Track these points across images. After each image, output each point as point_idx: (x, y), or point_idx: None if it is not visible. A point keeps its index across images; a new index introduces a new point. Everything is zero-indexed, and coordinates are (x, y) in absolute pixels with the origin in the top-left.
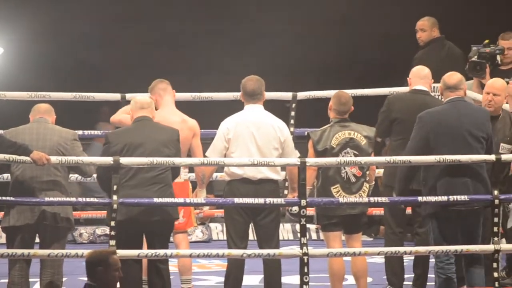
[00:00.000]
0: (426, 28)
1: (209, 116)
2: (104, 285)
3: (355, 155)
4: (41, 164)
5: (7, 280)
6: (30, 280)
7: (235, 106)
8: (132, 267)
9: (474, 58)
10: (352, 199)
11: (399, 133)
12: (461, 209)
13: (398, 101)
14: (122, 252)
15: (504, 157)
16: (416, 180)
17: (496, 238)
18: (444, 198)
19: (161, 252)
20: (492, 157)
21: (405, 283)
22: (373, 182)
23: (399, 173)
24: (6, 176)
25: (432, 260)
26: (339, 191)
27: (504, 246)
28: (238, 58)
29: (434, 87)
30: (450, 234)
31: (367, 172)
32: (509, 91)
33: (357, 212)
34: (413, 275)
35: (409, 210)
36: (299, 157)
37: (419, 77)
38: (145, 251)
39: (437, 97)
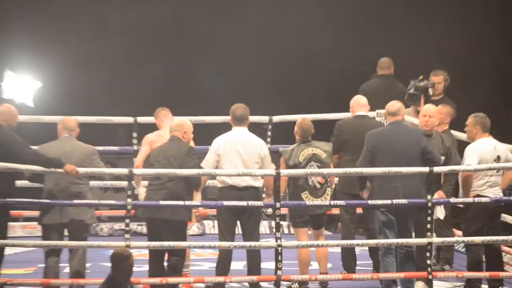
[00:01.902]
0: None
1: (203, 135)
2: (124, 277)
3: (318, 167)
4: (73, 174)
5: (44, 265)
6: (61, 265)
7: (225, 128)
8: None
9: (411, 91)
10: (316, 202)
11: (349, 151)
12: (400, 210)
13: (346, 125)
14: (137, 244)
15: (436, 169)
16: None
17: (429, 233)
18: (388, 201)
19: (165, 243)
20: (426, 169)
21: (356, 268)
22: (334, 185)
23: (358, 184)
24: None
25: None
26: (307, 196)
27: (435, 239)
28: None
29: (380, 113)
30: (390, 226)
31: (329, 179)
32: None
33: (322, 212)
34: (367, 262)
35: (360, 210)
36: (275, 169)
37: (359, 105)
38: (154, 242)
39: (381, 120)
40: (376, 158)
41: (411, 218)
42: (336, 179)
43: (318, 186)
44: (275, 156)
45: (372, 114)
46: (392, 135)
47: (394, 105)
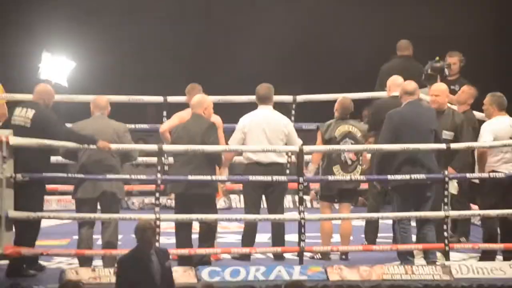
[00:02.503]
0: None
1: (230, 114)
2: (146, 247)
3: (352, 144)
4: (106, 150)
5: (77, 237)
6: (94, 237)
7: (251, 107)
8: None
9: (429, 71)
10: (343, 177)
11: None
12: (419, 184)
13: (382, 105)
14: (166, 216)
15: (453, 145)
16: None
17: (446, 207)
18: (407, 176)
19: (194, 216)
20: (443, 146)
21: (377, 240)
22: (369, 165)
23: (375, 160)
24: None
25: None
26: (338, 170)
27: (452, 213)
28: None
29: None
30: (409, 202)
31: (361, 158)
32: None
33: (351, 187)
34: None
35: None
36: (300, 145)
37: (396, 85)
38: (183, 215)
39: None
40: (400, 137)
41: (431, 193)
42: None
43: (349, 162)
44: (300, 133)
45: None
46: (412, 114)
47: (411, 84)
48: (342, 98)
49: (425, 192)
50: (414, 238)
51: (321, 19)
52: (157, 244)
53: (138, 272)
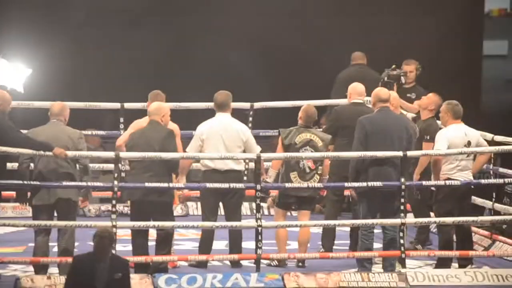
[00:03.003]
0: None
1: (188, 121)
2: (100, 253)
3: (312, 152)
4: (62, 157)
5: (33, 244)
6: (50, 244)
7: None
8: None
9: (385, 78)
10: (301, 185)
11: (345, 136)
12: (383, 190)
13: (344, 111)
14: (123, 224)
15: (409, 153)
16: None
17: (402, 214)
18: (364, 184)
19: (150, 223)
20: (400, 153)
21: (334, 247)
22: (327, 176)
23: (350, 167)
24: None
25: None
26: (296, 177)
27: (408, 220)
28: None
29: (367, 100)
30: (374, 209)
31: (320, 167)
32: (396, 103)
33: (307, 195)
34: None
35: (347, 192)
36: (257, 153)
37: (357, 92)
38: (139, 222)
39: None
40: (369, 143)
41: (394, 202)
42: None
43: (307, 170)
44: (258, 139)
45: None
46: (383, 121)
47: (386, 92)
48: (307, 105)
49: (390, 199)
50: (375, 245)
51: (285, 26)
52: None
53: (83, 275)
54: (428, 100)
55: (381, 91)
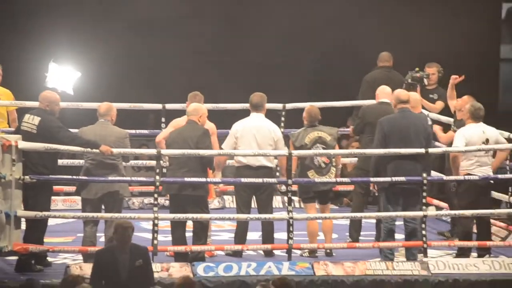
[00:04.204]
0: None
1: (225, 120)
2: (120, 243)
3: (324, 148)
4: (108, 154)
5: (82, 234)
6: (98, 234)
7: (244, 114)
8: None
9: (409, 80)
10: (324, 179)
11: (371, 133)
12: (404, 187)
13: (370, 109)
14: (163, 216)
15: (431, 150)
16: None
17: (424, 207)
18: (388, 179)
19: (189, 215)
20: (422, 150)
21: (360, 238)
22: (340, 165)
23: (372, 163)
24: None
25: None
26: (313, 174)
27: (430, 212)
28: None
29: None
30: (394, 204)
31: (334, 159)
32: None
33: (327, 189)
34: (371, 232)
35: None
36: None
37: (384, 93)
38: (179, 214)
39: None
40: (389, 142)
41: (419, 199)
42: (348, 160)
43: (323, 165)
44: (288, 139)
45: (372, 101)
46: (403, 121)
47: (405, 93)
48: (309, 106)
49: (411, 194)
50: (397, 236)
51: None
52: (155, 242)
53: (107, 266)
54: (462, 102)
55: (401, 92)
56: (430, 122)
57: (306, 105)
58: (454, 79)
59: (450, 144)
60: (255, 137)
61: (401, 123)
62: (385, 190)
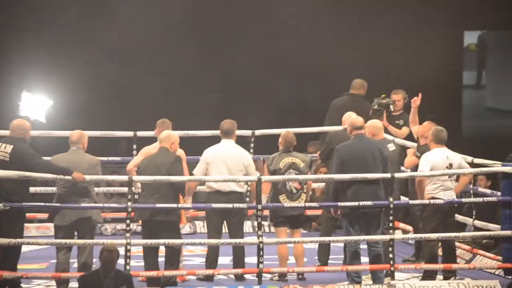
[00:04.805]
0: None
1: (194, 147)
2: (104, 268)
3: (296, 174)
4: (80, 181)
5: (55, 261)
6: (71, 261)
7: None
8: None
9: (376, 106)
10: (293, 204)
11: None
12: (365, 211)
13: (337, 135)
14: (136, 241)
15: (397, 175)
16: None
17: (391, 231)
18: (356, 203)
19: (161, 241)
20: (389, 175)
21: (329, 261)
22: (311, 192)
23: (331, 189)
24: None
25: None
26: (284, 198)
27: (396, 236)
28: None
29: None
30: (356, 228)
31: (305, 186)
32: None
33: (297, 213)
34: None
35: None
36: (258, 176)
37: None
38: (151, 240)
39: None
40: (347, 168)
41: (376, 219)
42: (316, 185)
43: (294, 191)
44: (258, 164)
45: (339, 127)
46: (359, 147)
47: (360, 120)
48: (286, 132)
49: (372, 218)
50: (363, 259)
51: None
52: (127, 268)
53: None
54: (423, 128)
55: (355, 119)
56: (394, 147)
57: (274, 131)
58: (414, 101)
59: (413, 168)
60: (226, 162)
61: (357, 149)
62: (346, 214)
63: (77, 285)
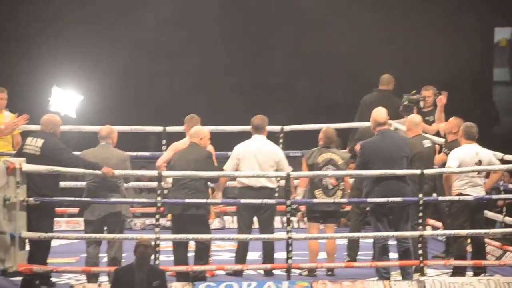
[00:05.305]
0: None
1: (225, 142)
2: (139, 262)
3: (334, 170)
4: (110, 175)
5: (85, 255)
6: (100, 255)
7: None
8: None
9: (406, 103)
10: (326, 200)
11: None
12: (393, 205)
13: (367, 131)
14: (165, 236)
15: (426, 171)
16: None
17: (420, 227)
18: (384, 199)
19: (190, 236)
20: (418, 171)
21: (358, 257)
22: (349, 190)
23: (364, 189)
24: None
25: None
26: (320, 193)
27: (426, 232)
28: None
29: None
30: (385, 223)
31: (342, 183)
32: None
33: (331, 209)
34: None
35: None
36: (289, 172)
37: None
38: (181, 235)
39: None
40: (373, 165)
41: (405, 214)
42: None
43: (330, 187)
44: (290, 159)
45: (369, 123)
46: (384, 143)
47: (382, 116)
48: (326, 128)
49: (400, 213)
50: (392, 255)
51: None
52: (157, 262)
53: (124, 284)
54: (450, 124)
55: (378, 115)
56: (430, 144)
57: (303, 127)
58: (440, 100)
59: (442, 165)
60: (257, 158)
61: (381, 145)
62: (374, 210)
63: (106, 279)
